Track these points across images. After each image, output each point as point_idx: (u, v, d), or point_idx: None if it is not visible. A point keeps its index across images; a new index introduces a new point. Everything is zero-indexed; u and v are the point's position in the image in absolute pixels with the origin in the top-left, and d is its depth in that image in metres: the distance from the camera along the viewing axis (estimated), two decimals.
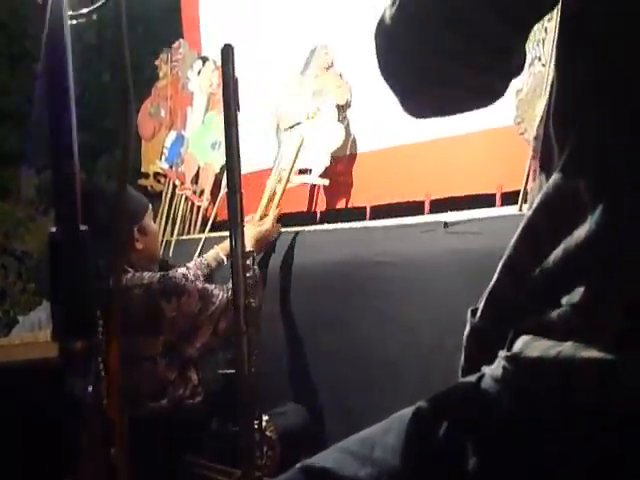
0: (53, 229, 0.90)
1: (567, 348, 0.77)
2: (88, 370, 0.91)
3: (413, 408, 0.91)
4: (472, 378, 0.88)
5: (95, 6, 1.29)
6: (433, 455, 0.86)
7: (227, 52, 1.89)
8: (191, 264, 2.91)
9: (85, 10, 1.35)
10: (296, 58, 3.43)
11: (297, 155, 3.17)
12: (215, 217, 3.97)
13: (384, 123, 2.96)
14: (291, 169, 3.18)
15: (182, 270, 2.84)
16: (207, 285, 2.63)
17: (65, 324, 0.91)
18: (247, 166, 3.72)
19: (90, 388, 0.91)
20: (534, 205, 0.83)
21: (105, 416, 0.90)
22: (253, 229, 2.89)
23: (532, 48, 2.26)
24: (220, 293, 2.59)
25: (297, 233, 3.11)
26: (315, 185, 3.33)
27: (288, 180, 3.19)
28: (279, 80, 3.51)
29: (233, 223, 1.95)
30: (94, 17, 1.42)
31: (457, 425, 0.85)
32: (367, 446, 0.90)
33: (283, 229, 3.10)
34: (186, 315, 2.52)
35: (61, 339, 0.90)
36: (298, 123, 3.28)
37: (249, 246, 2.71)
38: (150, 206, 2.66)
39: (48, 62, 0.88)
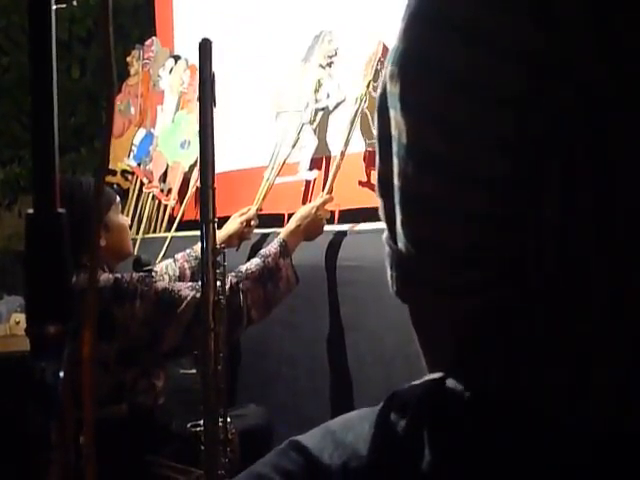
0: (31, 211, 0.88)
1: None
2: (60, 355, 0.90)
3: (385, 399, 0.91)
4: (440, 374, 0.89)
5: None
6: (393, 449, 0.86)
7: (205, 46, 1.89)
8: (179, 255, 2.87)
9: None
10: (283, 49, 3.48)
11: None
12: (182, 216, 3.96)
13: (356, 130, 2.97)
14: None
15: (162, 264, 2.81)
16: (175, 285, 2.44)
17: (39, 307, 0.89)
18: (243, 162, 3.75)
19: (62, 374, 0.89)
20: None
21: (76, 403, 0.88)
22: (303, 209, 2.74)
23: None
24: (191, 293, 2.33)
25: (266, 235, 3.11)
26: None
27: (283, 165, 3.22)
28: (273, 71, 3.53)
29: (204, 219, 1.95)
30: (74, 3, 1.40)
31: (417, 422, 0.86)
32: (345, 429, 0.90)
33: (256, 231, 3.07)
34: (142, 321, 2.34)
35: (34, 322, 0.89)
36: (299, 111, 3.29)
37: (293, 225, 2.63)
38: (117, 199, 2.57)
39: (33, 47, 0.87)
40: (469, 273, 0.79)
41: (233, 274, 2.38)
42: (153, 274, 2.59)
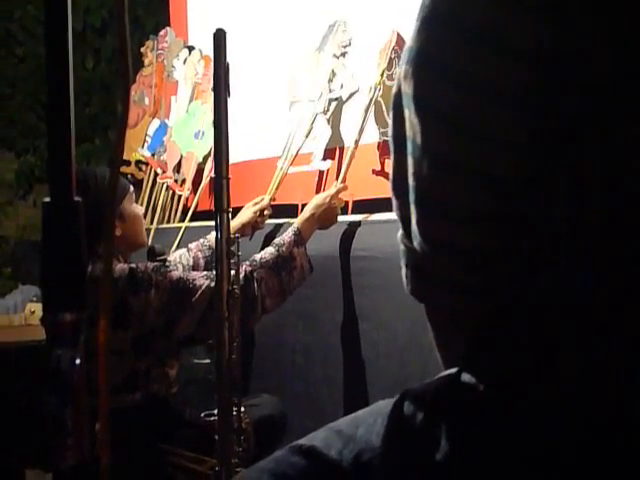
0: (47, 199, 0.89)
1: None
2: (76, 343, 0.90)
3: (398, 395, 0.92)
4: (455, 370, 0.89)
5: None
6: (409, 441, 0.87)
7: (219, 37, 1.89)
8: (193, 245, 2.88)
9: None
10: (297, 39, 3.49)
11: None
12: (196, 206, 3.97)
13: (371, 119, 2.96)
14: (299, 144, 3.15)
15: (176, 254, 2.81)
16: (189, 274, 2.43)
17: (56, 294, 0.89)
18: (257, 152, 3.76)
19: (78, 361, 0.89)
20: None
21: (91, 391, 0.89)
22: (317, 198, 2.73)
23: None
24: (206, 282, 2.34)
25: (280, 225, 3.11)
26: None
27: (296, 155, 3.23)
28: (287, 61, 3.53)
29: (219, 209, 1.95)
30: None
31: (433, 415, 0.87)
32: (353, 426, 0.91)
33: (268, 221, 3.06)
34: (157, 310, 2.35)
35: (51, 309, 0.89)
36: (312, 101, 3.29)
37: (307, 214, 2.63)
38: (132, 189, 2.56)
39: (49, 38, 0.87)
40: (483, 273, 0.79)
41: (247, 263, 2.38)
42: (167, 264, 2.59)
